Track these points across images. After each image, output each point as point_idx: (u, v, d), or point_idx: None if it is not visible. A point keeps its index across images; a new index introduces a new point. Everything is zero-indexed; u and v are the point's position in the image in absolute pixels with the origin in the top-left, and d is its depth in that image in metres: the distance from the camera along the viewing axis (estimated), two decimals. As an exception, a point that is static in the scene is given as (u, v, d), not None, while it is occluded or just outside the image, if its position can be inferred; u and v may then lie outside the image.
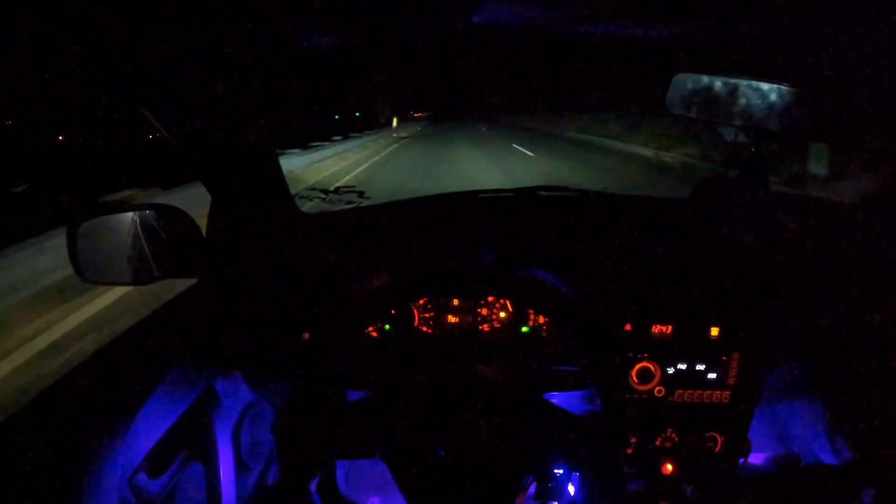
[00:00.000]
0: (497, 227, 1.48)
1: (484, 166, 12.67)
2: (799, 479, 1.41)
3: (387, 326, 1.43)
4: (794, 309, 1.29)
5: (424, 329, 1.44)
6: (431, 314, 1.44)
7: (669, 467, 1.34)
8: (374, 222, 1.58)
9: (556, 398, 1.43)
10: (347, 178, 11.71)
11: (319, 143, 19.82)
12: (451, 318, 1.44)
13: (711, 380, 1.30)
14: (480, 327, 1.44)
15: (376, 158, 16.26)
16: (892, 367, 1.24)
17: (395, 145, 21.43)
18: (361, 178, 11.70)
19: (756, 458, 1.49)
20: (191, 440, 1.15)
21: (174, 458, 1.09)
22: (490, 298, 1.43)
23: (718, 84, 1.11)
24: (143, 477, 0.97)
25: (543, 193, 1.60)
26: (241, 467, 1.29)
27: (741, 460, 1.36)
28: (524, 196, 1.61)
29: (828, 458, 1.38)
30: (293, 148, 17.96)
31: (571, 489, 1.42)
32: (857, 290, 1.27)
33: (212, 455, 1.21)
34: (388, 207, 1.64)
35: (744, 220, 1.23)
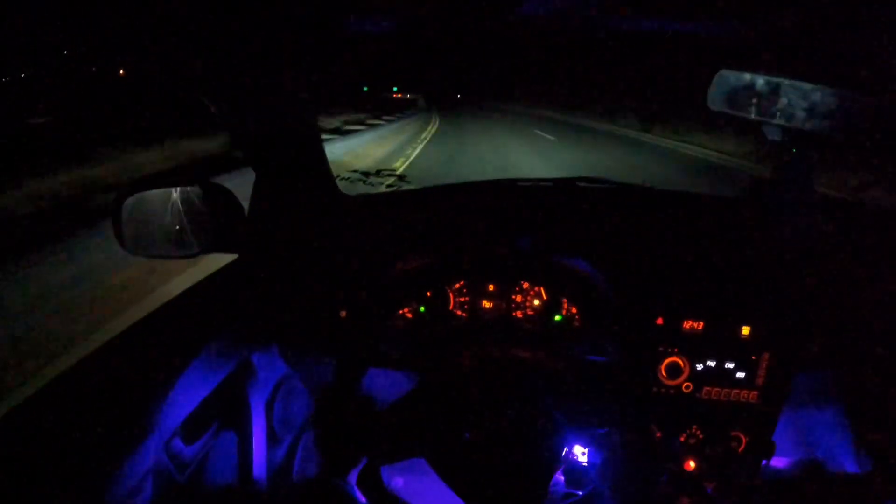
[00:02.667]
0: (535, 215, 1.49)
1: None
2: (821, 486, 1.40)
3: (422, 308, 1.46)
4: (827, 314, 1.27)
5: (459, 313, 1.46)
6: (466, 298, 1.46)
7: (692, 464, 1.35)
8: (412, 205, 1.61)
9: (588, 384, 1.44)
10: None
11: (356, 128, 19.18)
12: (486, 303, 1.46)
13: (740, 379, 1.30)
14: (514, 313, 1.45)
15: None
16: None
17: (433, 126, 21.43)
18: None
19: (779, 462, 1.48)
20: (226, 409, 1.19)
21: (209, 425, 1.12)
22: (525, 285, 1.45)
23: (761, 82, 1.10)
24: (178, 442, 1.00)
25: (582, 185, 1.61)
26: (272, 438, 1.33)
27: (764, 462, 1.36)
28: (563, 186, 1.62)
29: (851, 468, 1.36)
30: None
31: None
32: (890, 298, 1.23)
33: (245, 425, 1.25)
34: (426, 192, 1.67)
35: (788, 222, 1.21)
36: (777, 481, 1.45)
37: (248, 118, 1.24)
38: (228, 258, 1.32)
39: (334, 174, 1.54)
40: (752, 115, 1.14)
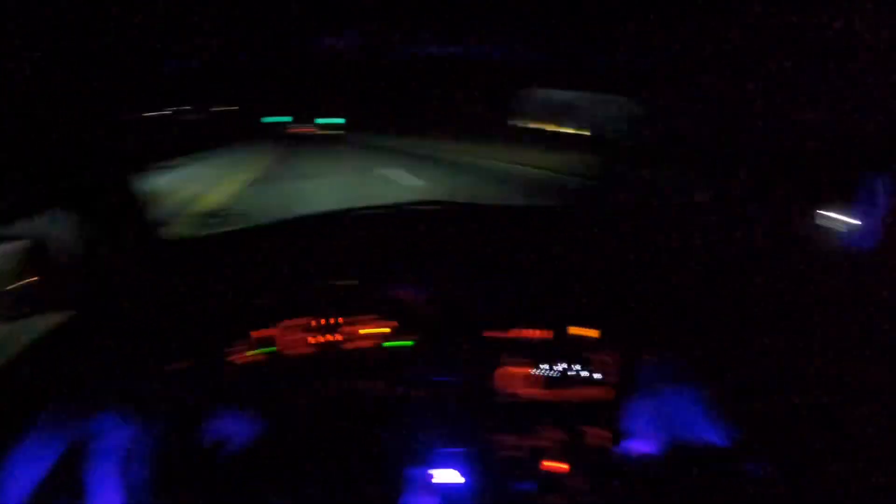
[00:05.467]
0: (364, 245, 1.48)
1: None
2: (690, 462, 1.48)
3: (258, 350, 1.39)
4: (670, 303, 1.38)
5: (294, 351, 1.41)
6: (300, 335, 1.41)
7: (561, 465, 1.37)
8: (242, 245, 1.53)
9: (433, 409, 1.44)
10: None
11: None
12: (321, 338, 1.41)
13: (591, 378, 1.36)
14: (349, 345, 1.42)
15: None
16: (767, 351, 1.34)
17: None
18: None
19: (647, 446, 1.56)
20: (69, 487, 1.07)
21: None
22: (358, 316, 1.42)
23: (565, 96, 1.21)
24: None
25: (413, 208, 1.62)
26: None
27: (631, 451, 1.42)
28: (395, 212, 1.62)
29: (715, 441, 1.47)
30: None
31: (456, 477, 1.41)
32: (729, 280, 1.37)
33: (95, 501, 1.12)
34: (257, 230, 1.61)
35: (620, 225, 1.31)
36: (647, 465, 1.52)
37: (59, 164, 1.11)
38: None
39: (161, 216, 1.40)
40: (558, 126, 1.26)
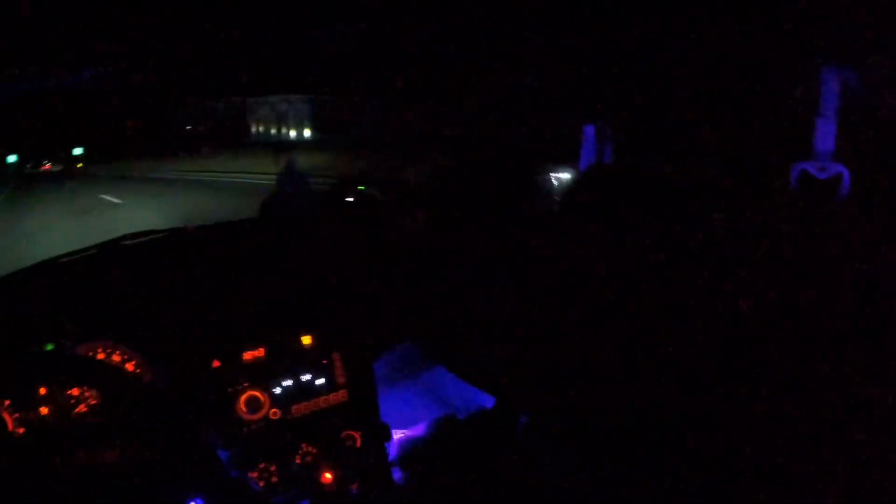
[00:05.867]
0: (67, 297, 1.37)
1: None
2: (460, 431, 1.50)
3: None
4: (387, 293, 1.36)
5: (20, 430, 1.25)
6: (21, 412, 1.25)
7: (328, 476, 1.33)
8: None
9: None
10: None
11: None
12: (43, 410, 1.26)
13: (322, 385, 1.32)
14: (76, 410, 1.27)
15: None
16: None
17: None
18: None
19: (416, 430, 1.57)
20: None
21: None
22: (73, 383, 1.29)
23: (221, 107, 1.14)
24: None
25: (127, 243, 1.50)
26: None
27: (391, 441, 1.40)
28: (107, 251, 1.49)
29: (483, 404, 1.48)
30: None
31: None
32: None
33: None
34: None
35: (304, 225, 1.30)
36: (417, 447, 1.52)
37: None
38: None
39: None
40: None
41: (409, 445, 1.51)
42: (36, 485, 1.24)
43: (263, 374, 1.28)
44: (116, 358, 1.32)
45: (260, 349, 1.27)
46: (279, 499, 1.32)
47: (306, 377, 1.30)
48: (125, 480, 1.24)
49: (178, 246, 1.63)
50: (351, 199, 1.64)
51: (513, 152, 1.67)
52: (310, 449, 1.32)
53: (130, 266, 1.52)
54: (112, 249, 1.52)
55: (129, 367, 1.31)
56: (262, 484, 1.31)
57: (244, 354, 1.26)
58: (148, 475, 1.25)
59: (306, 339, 1.29)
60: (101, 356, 1.32)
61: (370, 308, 1.34)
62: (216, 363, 1.25)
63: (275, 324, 1.30)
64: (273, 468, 1.30)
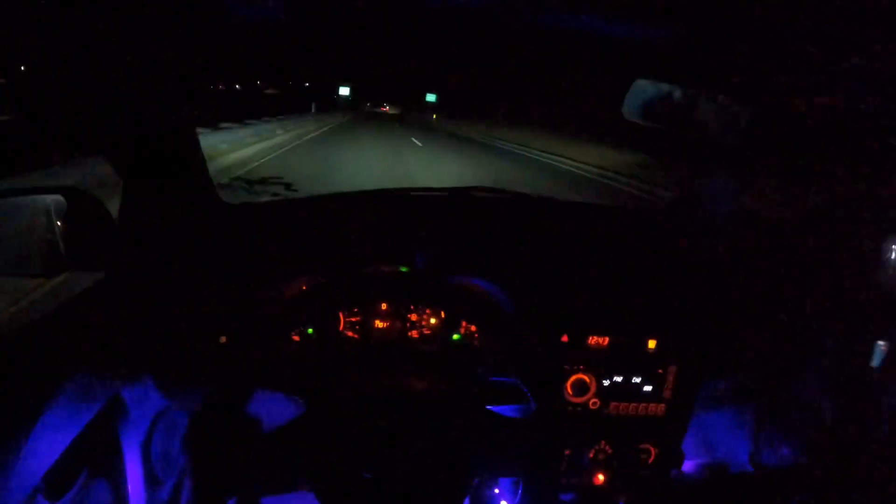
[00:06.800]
0: (430, 230, 1.40)
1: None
2: (729, 486, 1.45)
3: (310, 330, 1.32)
4: (728, 323, 1.32)
5: (350, 334, 1.34)
6: (358, 318, 1.34)
7: (601, 478, 1.34)
8: (300, 217, 1.46)
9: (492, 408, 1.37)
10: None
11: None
12: (379, 324, 1.35)
13: (647, 392, 1.30)
14: (410, 333, 1.36)
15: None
16: (818, 384, 1.30)
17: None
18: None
19: (686, 466, 1.51)
20: (95, 456, 1.05)
21: (77, 476, 0.99)
22: (421, 304, 1.36)
23: (678, 94, 1.10)
24: (41, 500, 0.88)
25: (479, 195, 1.54)
26: (152, 481, 1.19)
27: (674, 471, 1.38)
28: (459, 197, 1.54)
29: (754, 466, 1.42)
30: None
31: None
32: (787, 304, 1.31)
33: (119, 470, 1.11)
34: (314, 201, 1.51)
35: (706, 235, 1.24)
36: (684, 485, 1.49)
37: (112, 115, 1.07)
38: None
39: (215, 179, 1.35)
40: (667, 127, 1.15)
41: (676, 481, 1.46)
42: (355, 391, 1.28)
43: (599, 364, 1.28)
44: (483, 295, 1.34)
45: (605, 338, 1.26)
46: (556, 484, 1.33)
47: (637, 379, 1.29)
48: (416, 419, 1.25)
49: (532, 210, 1.60)
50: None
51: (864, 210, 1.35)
52: (606, 448, 1.33)
53: (484, 215, 1.53)
54: (465, 196, 1.53)
55: (490, 302, 1.32)
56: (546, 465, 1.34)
57: (590, 338, 1.26)
58: (436, 424, 1.26)
59: (651, 343, 1.27)
60: (466, 288, 1.34)
61: (719, 332, 1.31)
62: (564, 338, 1.25)
63: (626, 318, 1.28)
64: (567, 452, 1.33)
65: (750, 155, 1.16)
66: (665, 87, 1.11)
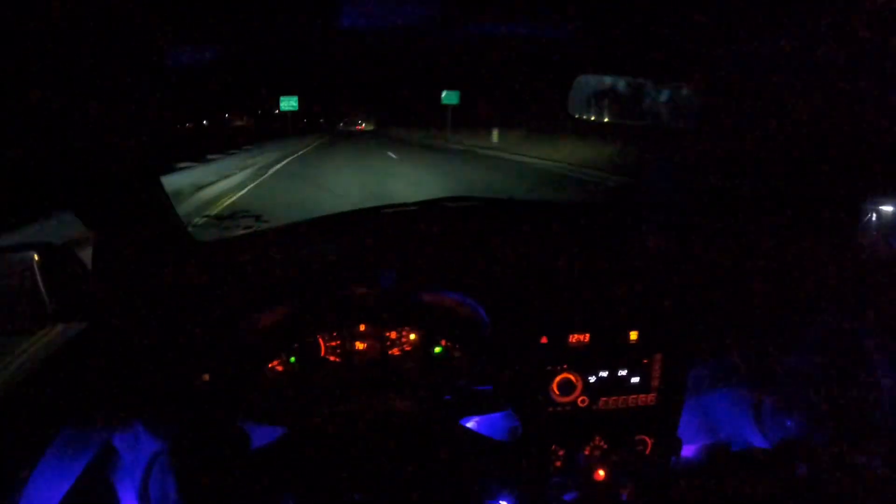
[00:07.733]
0: (400, 246, 1.41)
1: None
2: (732, 465, 1.46)
3: (292, 359, 1.34)
4: (708, 307, 1.33)
5: (332, 358, 1.36)
6: (338, 342, 1.36)
7: (602, 473, 1.32)
8: (270, 248, 1.46)
9: (476, 421, 1.39)
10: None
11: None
12: (360, 345, 1.36)
13: (635, 384, 1.31)
14: (390, 352, 1.37)
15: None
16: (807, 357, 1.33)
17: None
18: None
19: (687, 451, 1.53)
20: (92, 501, 1.07)
21: None
22: (397, 324, 1.37)
23: (622, 84, 1.14)
24: None
25: (449, 205, 1.55)
26: None
27: (673, 458, 1.38)
28: (428, 209, 1.55)
29: (758, 442, 1.44)
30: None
31: None
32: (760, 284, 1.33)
33: None
34: (284, 230, 1.53)
35: (660, 222, 1.26)
36: (687, 470, 1.49)
37: (70, 167, 1.07)
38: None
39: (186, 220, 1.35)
40: (616, 119, 1.18)
41: (678, 466, 1.45)
42: (341, 416, 1.27)
43: (583, 361, 1.28)
44: (457, 308, 1.34)
45: (586, 335, 1.27)
46: (558, 479, 1.33)
47: (623, 372, 1.30)
48: (400, 437, 1.25)
49: (502, 215, 1.61)
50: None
51: (836, 167, 1.41)
52: (601, 444, 1.33)
53: (455, 225, 1.53)
54: (435, 208, 1.54)
55: (464, 314, 1.32)
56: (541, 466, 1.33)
57: (570, 337, 1.26)
58: (423, 443, 1.26)
59: (633, 335, 1.28)
60: (439, 302, 1.35)
61: (699, 316, 1.32)
62: (544, 339, 1.26)
63: (605, 313, 1.29)
64: (561, 453, 1.33)
65: (703, 136, 1.20)
66: (608, 79, 1.15)
